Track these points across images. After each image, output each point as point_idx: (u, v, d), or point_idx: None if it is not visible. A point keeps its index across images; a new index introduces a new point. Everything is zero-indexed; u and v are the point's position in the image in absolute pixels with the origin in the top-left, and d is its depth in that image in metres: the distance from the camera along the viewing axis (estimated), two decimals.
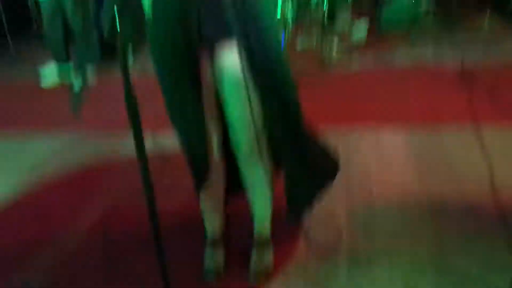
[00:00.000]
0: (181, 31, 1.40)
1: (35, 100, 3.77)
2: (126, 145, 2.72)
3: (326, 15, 4.27)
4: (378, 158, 2.47)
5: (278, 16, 3.88)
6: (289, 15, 4.20)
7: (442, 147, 2.52)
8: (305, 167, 1.60)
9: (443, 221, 1.94)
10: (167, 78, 1.49)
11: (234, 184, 1.76)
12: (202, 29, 1.39)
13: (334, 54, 4.13)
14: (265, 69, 1.42)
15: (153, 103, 3.33)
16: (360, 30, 4.66)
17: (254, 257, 1.75)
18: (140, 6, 1.43)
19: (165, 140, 2.69)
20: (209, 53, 1.46)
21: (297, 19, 4.69)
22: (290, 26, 4.29)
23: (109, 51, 4.44)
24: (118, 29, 0.99)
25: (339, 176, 1.71)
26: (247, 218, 1.78)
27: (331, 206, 2.03)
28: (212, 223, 1.79)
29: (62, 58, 4.07)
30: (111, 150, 2.73)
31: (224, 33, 1.41)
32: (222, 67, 1.46)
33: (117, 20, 0.99)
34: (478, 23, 4.97)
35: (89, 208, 2.18)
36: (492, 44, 4.16)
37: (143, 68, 4.13)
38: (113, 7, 0.98)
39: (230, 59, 1.42)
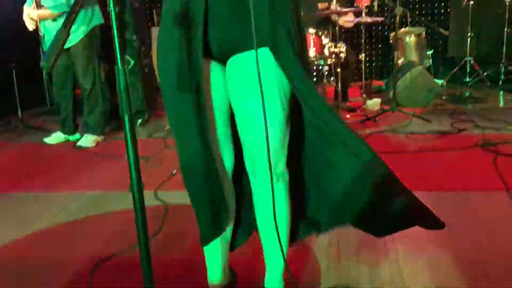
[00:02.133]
0: (181, 37, 1.24)
1: (40, 160, 3.67)
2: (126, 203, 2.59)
3: (340, 93, 4.32)
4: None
5: None
6: None
7: (473, 208, 2.29)
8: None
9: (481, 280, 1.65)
10: (168, 92, 1.31)
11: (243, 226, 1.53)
12: (210, 37, 1.25)
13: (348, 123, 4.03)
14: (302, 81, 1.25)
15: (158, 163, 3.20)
16: (374, 105, 4.65)
17: None
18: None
19: (167, 196, 2.58)
20: (221, 66, 1.32)
21: None
22: None
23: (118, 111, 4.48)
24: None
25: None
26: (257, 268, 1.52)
27: (355, 269, 1.76)
28: (215, 272, 1.50)
29: (70, 130, 4.08)
30: (109, 208, 2.54)
31: (242, 43, 1.26)
32: (238, 81, 1.30)
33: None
34: (492, 99, 4.94)
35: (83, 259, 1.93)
36: (509, 117, 4.05)
37: (151, 131, 4.17)
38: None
39: (248, 72, 1.26)
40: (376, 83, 5.97)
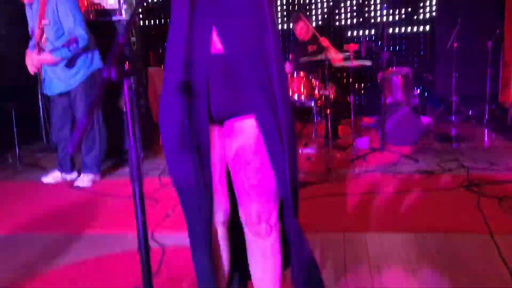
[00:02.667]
0: (187, 103, 1.37)
1: (37, 199, 3.74)
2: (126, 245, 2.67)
3: (330, 131, 4.47)
4: (387, 258, 2.33)
5: None
6: None
7: (456, 249, 2.40)
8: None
9: None
10: (170, 148, 1.44)
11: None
12: (212, 103, 1.38)
13: (336, 163, 4.19)
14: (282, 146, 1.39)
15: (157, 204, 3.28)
16: (363, 144, 4.80)
17: None
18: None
19: (163, 238, 2.67)
20: (219, 128, 1.46)
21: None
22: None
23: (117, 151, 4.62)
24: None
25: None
26: None
27: None
28: None
29: (68, 170, 4.16)
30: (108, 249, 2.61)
31: (238, 109, 1.40)
32: (233, 143, 1.43)
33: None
34: (478, 138, 5.11)
35: None
36: (494, 157, 4.20)
37: (147, 169, 4.26)
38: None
39: (243, 135, 1.41)
40: (366, 120, 6.15)
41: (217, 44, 1.35)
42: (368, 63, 4.66)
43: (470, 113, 5.73)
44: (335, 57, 4.71)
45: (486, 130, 5.37)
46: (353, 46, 4.60)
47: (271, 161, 1.39)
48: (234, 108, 1.40)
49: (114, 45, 0.97)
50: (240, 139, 1.42)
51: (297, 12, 5.31)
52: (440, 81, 6.24)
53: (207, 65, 1.35)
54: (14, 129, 4.67)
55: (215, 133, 1.46)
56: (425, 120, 5.87)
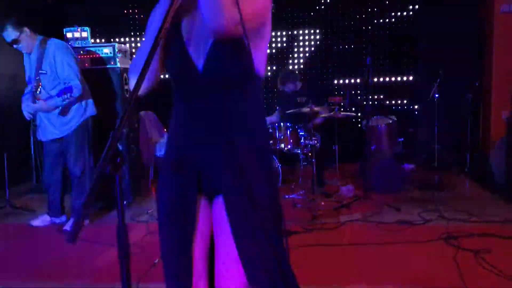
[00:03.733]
0: (179, 178, 1.54)
1: (26, 244, 3.78)
2: None
3: (315, 179, 4.61)
4: None
5: None
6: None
7: None
8: None
9: None
10: (163, 217, 1.58)
11: None
12: (202, 180, 1.53)
13: (321, 211, 4.30)
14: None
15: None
16: (348, 191, 4.93)
17: None
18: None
19: None
20: (208, 201, 1.59)
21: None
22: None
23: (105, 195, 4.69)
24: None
25: None
26: None
27: None
28: None
29: (57, 213, 4.22)
30: None
31: (220, 188, 1.52)
32: (219, 216, 1.54)
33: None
34: (459, 186, 5.27)
35: None
36: (473, 207, 4.34)
37: (135, 214, 4.32)
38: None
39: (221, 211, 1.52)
40: (351, 167, 6.29)
41: (207, 129, 1.51)
42: (352, 114, 4.85)
43: (452, 161, 5.91)
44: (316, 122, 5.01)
45: (467, 178, 5.55)
46: (338, 99, 4.81)
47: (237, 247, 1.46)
48: (222, 184, 1.51)
49: (109, 140, 1.10)
50: (223, 215, 1.52)
51: (284, 73, 5.53)
52: (423, 129, 6.45)
53: (200, 145, 1.52)
54: (5, 171, 4.74)
55: (205, 206, 1.59)
56: (408, 167, 6.05)
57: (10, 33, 3.79)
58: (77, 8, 6.65)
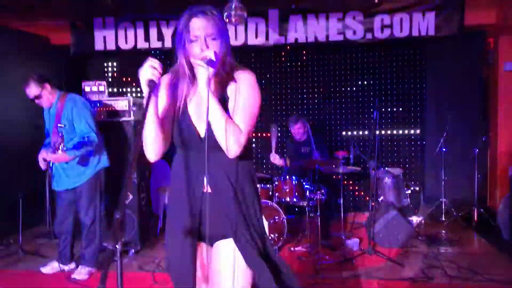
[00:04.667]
0: (183, 224, 1.92)
1: None
2: None
3: (320, 232, 4.68)
4: None
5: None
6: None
7: None
8: None
9: None
10: (170, 255, 2.01)
11: None
12: (203, 227, 1.89)
13: (325, 265, 4.34)
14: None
15: None
16: (353, 245, 4.97)
17: None
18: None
19: None
20: (208, 246, 1.97)
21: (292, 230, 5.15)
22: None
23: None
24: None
25: None
26: None
27: None
28: None
29: (66, 261, 4.34)
30: None
31: (222, 234, 1.92)
32: (218, 260, 1.93)
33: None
34: (465, 242, 5.26)
35: None
36: (479, 265, 4.34)
37: (142, 263, 4.41)
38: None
39: (225, 254, 1.91)
40: (359, 217, 6.33)
41: (207, 188, 1.92)
42: (357, 169, 4.96)
43: (459, 215, 5.93)
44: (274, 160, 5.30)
45: (474, 234, 5.55)
46: (342, 153, 4.94)
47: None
48: (220, 232, 1.91)
49: (113, 221, 1.24)
50: (221, 259, 1.92)
51: (297, 115, 5.70)
52: (430, 183, 6.50)
53: (200, 201, 1.92)
54: (20, 216, 4.92)
55: (204, 252, 1.97)
56: (416, 220, 6.07)
57: (33, 89, 4.02)
58: (96, 62, 7.02)
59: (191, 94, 1.94)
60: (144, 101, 1.69)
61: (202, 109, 1.87)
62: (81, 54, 6.59)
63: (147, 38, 6.34)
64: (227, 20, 4.23)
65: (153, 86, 1.69)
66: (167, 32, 6.27)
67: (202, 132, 1.89)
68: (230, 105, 1.90)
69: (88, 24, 6.46)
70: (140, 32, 6.36)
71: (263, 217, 2.04)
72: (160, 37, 6.31)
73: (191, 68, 1.88)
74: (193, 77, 1.90)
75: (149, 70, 1.69)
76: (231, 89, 1.91)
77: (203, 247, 1.98)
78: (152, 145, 1.85)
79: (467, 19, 5.72)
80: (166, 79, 1.96)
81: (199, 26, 1.81)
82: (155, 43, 6.33)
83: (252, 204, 1.97)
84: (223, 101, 1.89)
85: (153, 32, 6.33)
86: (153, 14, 6.31)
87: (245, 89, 1.90)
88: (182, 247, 1.92)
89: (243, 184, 1.95)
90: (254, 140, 6.77)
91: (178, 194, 1.97)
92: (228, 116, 1.84)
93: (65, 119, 4.03)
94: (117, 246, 1.19)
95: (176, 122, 1.95)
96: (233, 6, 4.11)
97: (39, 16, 6.42)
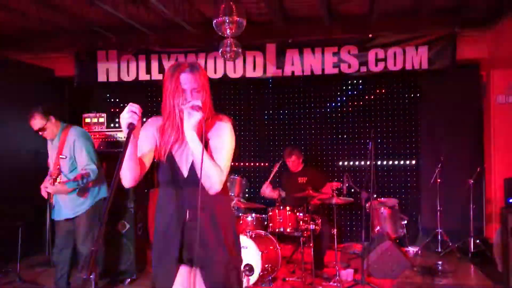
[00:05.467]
0: (169, 252, 2.17)
1: None
2: None
3: (315, 262, 4.72)
4: None
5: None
6: None
7: None
8: None
9: None
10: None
11: None
12: (184, 251, 2.14)
13: None
14: None
15: None
16: (347, 275, 4.99)
17: None
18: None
19: None
20: (190, 268, 2.18)
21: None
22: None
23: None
24: None
25: None
26: None
27: None
28: None
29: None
30: None
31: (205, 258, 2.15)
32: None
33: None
34: (461, 273, 5.26)
35: None
36: None
37: None
38: None
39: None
40: (355, 246, 6.36)
41: (189, 217, 2.16)
42: (350, 200, 5.03)
43: (456, 246, 5.94)
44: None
45: (471, 265, 5.55)
46: (335, 184, 5.02)
47: None
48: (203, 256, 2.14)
49: (88, 253, 1.37)
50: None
51: (292, 147, 5.82)
52: (426, 213, 6.54)
53: (182, 228, 2.17)
54: (19, 245, 5.00)
55: (183, 274, 2.17)
56: (412, 250, 6.09)
57: (38, 122, 4.11)
58: (99, 93, 7.20)
59: (176, 138, 2.18)
60: (125, 140, 1.89)
61: (186, 151, 2.18)
62: (84, 85, 6.81)
63: (148, 71, 6.55)
64: (222, 56, 4.40)
65: (132, 128, 1.89)
66: (168, 65, 6.47)
67: (185, 172, 2.19)
68: (211, 147, 2.17)
69: (92, 56, 6.69)
70: (142, 65, 6.57)
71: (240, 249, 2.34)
72: (161, 70, 6.52)
73: (179, 115, 2.13)
74: (180, 124, 2.13)
75: (129, 114, 1.90)
76: (211, 134, 2.20)
77: (189, 271, 2.20)
78: (127, 176, 2.10)
79: (460, 53, 5.88)
80: (157, 122, 2.24)
81: (186, 80, 2.09)
82: (157, 76, 6.53)
83: (231, 233, 2.27)
84: (205, 145, 2.12)
85: (154, 65, 6.54)
86: (155, 47, 6.54)
87: (224, 135, 2.21)
88: (168, 274, 2.17)
89: (221, 215, 2.23)
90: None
91: (163, 226, 2.23)
92: (211, 158, 2.11)
93: (67, 150, 4.14)
94: (91, 277, 1.28)
95: (162, 163, 2.22)
96: (228, 43, 4.27)
97: (44, 48, 6.67)
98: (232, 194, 5.77)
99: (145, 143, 2.20)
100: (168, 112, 2.15)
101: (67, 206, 4.22)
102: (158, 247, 2.24)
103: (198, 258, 2.14)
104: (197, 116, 2.01)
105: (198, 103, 2.03)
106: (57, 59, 6.87)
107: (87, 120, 5.04)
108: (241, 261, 2.32)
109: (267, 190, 5.48)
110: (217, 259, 2.17)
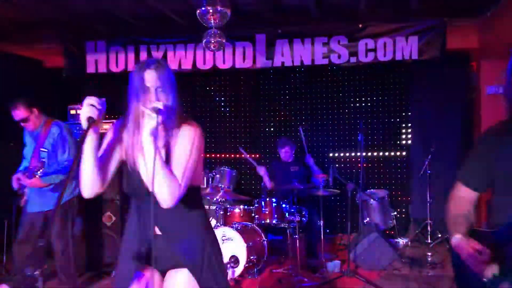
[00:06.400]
0: (133, 261, 2.02)
1: None
2: None
3: (300, 254, 4.72)
4: None
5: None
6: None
7: None
8: None
9: None
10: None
11: None
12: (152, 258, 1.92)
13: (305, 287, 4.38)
14: None
15: None
16: (333, 267, 4.99)
17: None
18: None
19: None
20: (160, 275, 2.09)
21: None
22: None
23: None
24: None
25: None
26: None
27: None
28: None
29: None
30: None
31: (173, 264, 2.05)
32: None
33: None
34: (450, 265, 5.26)
35: None
36: None
37: None
38: None
39: (177, 283, 2.04)
40: (346, 238, 6.34)
41: (157, 231, 2.03)
42: (335, 191, 5.02)
43: (445, 237, 5.93)
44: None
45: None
46: (322, 176, 5.01)
47: None
48: (171, 263, 2.05)
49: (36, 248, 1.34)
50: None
51: (285, 138, 5.81)
52: (416, 204, 6.53)
53: (150, 243, 1.97)
54: (5, 237, 4.98)
55: (158, 280, 2.07)
56: (401, 241, 6.08)
57: (21, 112, 4.04)
58: (88, 84, 7.14)
59: (139, 145, 1.97)
60: (82, 137, 1.80)
61: (146, 160, 1.93)
62: (73, 76, 6.75)
63: (137, 62, 6.49)
64: (206, 46, 4.35)
65: (92, 122, 1.78)
66: (157, 55, 6.42)
67: (149, 184, 1.93)
68: (173, 156, 1.97)
69: (81, 47, 6.64)
70: (131, 56, 6.52)
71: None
72: None
73: (141, 116, 1.96)
74: (139, 126, 1.96)
75: (88, 108, 1.79)
76: (174, 142, 1.98)
77: (156, 276, 2.07)
78: (87, 183, 1.93)
79: (450, 43, 5.82)
80: (119, 123, 2.07)
81: (150, 78, 1.93)
82: None
83: (200, 248, 2.07)
84: (167, 153, 1.97)
85: (143, 56, 6.48)
86: (143, 38, 6.48)
87: (185, 143, 1.97)
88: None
89: (190, 232, 2.08)
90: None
91: (131, 237, 2.08)
92: (169, 168, 1.91)
93: (48, 144, 4.08)
94: (35, 273, 1.26)
95: (126, 173, 2.05)
96: (211, 33, 4.23)
97: (32, 39, 6.61)
98: (222, 186, 5.76)
99: (109, 147, 2.02)
100: (131, 113, 1.98)
101: (41, 198, 4.08)
102: (122, 260, 2.11)
103: (169, 266, 2.07)
104: (157, 119, 1.85)
105: (159, 104, 1.88)
106: (46, 51, 6.81)
107: (72, 111, 5.00)
108: (221, 274, 2.13)
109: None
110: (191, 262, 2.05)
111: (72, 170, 1.68)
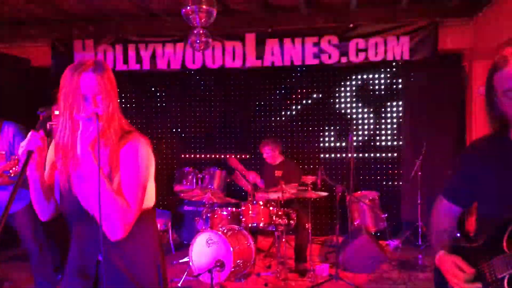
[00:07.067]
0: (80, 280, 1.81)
1: None
2: None
3: (294, 255, 4.66)
4: None
5: None
6: None
7: None
8: None
9: None
10: None
11: None
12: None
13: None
14: None
15: None
16: (321, 271, 4.92)
17: None
18: None
19: None
20: None
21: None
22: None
23: None
24: None
25: None
26: None
27: None
28: None
29: None
30: None
31: None
32: None
33: None
34: None
35: None
36: None
37: None
38: None
39: None
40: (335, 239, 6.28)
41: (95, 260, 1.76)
42: (324, 194, 4.95)
43: None
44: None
45: None
46: (310, 178, 4.94)
47: None
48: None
49: None
50: None
51: (266, 138, 5.73)
52: (407, 206, 6.47)
53: (94, 268, 1.77)
54: None
55: None
56: (393, 243, 6.02)
57: None
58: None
59: (74, 160, 1.74)
60: (20, 170, 1.63)
61: (85, 178, 1.69)
62: (61, 75, 6.65)
63: (125, 61, 6.41)
64: (191, 46, 4.27)
65: (29, 155, 1.62)
66: (145, 55, 6.35)
67: (85, 204, 1.74)
68: (121, 176, 1.71)
69: (68, 46, 6.55)
70: (119, 55, 6.43)
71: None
72: (139, 59, 6.38)
73: (75, 127, 1.71)
74: (74, 138, 1.70)
75: (27, 142, 1.63)
76: (117, 157, 1.73)
77: None
78: (39, 211, 1.81)
79: (442, 43, 5.76)
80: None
81: (87, 83, 1.68)
82: (134, 65, 6.40)
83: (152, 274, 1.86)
84: (109, 170, 1.72)
85: (131, 55, 6.40)
86: (132, 37, 6.39)
87: (136, 160, 1.72)
88: None
89: (141, 256, 1.83)
90: None
91: (74, 262, 1.85)
92: (113, 190, 1.65)
93: (4, 145, 3.86)
94: None
95: (60, 194, 1.80)
96: (197, 33, 4.14)
97: (19, 38, 6.52)
98: (212, 187, 5.69)
99: (50, 168, 1.82)
100: (62, 123, 1.72)
101: (2, 200, 3.87)
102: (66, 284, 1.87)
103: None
104: (97, 128, 1.61)
105: (98, 110, 1.64)
106: (34, 49, 6.71)
107: (57, 112, 4.87)
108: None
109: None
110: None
111: (17, 184, 1.56)
